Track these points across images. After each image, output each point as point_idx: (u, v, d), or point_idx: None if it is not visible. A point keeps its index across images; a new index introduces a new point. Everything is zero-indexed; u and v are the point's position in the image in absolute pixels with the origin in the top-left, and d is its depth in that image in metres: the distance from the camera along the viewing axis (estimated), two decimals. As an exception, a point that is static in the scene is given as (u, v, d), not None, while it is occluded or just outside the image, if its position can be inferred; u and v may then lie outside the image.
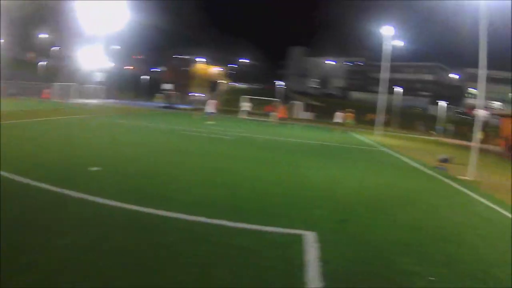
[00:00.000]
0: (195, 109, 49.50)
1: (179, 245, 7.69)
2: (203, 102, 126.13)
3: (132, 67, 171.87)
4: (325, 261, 7.42)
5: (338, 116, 55.24)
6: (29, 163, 14.11)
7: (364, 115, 76.01)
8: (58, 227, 8.06)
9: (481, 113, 28.06)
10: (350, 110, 58.06)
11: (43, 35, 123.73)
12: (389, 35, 50.25)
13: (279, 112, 53.26)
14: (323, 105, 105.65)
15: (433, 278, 7.15)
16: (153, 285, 6.10)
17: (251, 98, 71.81)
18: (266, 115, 71.46)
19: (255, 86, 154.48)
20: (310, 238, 8.63)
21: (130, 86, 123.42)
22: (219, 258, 7.21)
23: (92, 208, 9.55)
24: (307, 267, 7.09)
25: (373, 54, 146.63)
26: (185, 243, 7.83)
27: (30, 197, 10.01)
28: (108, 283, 6.04)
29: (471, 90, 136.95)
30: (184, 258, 7.09)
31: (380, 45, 56.77)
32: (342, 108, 62.39)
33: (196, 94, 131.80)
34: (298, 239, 8.59)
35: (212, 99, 46.28)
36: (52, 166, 14.09)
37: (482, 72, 22.48)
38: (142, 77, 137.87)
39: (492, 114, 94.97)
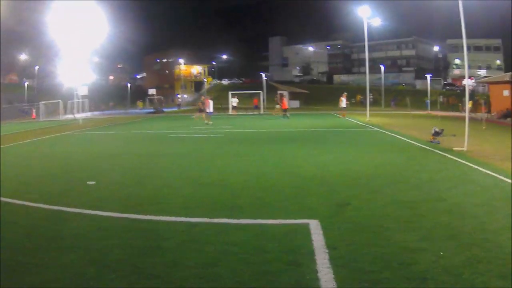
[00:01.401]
0: (197, 111, 48.83)
1: (181, 248, 7.76)
2: (192, 103, 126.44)
3: (112, 77, 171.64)
4: (331, 247, 7.48)
5: (342, 101, 54.27)
6: (26, 184, 14.22)
7: (351, 97, 75.83)
8: (60, 245, 8.10)
9: (468, 83, 28.20)
10: (344, 94, 57.62)
11: (22, 55, 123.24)
12: (366, 14, 50.15)
13: (282, 104, 52.75)
14: (308, 92, 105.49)
15: (441, 253, 7.18)
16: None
17: (237, 93, 71.68)
18: (254, 108, 71.64)
19: (237, 81, 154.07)
20: (313, 226, 8.69)
21: (114, 96, 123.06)
22: (222, 257, 7.26)
23: (91, 222, 9.61)
24: (315, 255, 7.14)
25: (352, 35, 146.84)
26: (186, 245, 7.88)
27: (29, 218, 10.11)
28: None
29: (456, 60, 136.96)
30: (187, 260, 7.15)
31: (358, 25, 56.74)
32: (328, 92, 62.15)
33: (180, 96, 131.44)
34: (302, 228, 8.66)
35: (207, 99, 45.09)
36: (49, 184, 14.26)
37: (464, 41, 22.59)
38: (126, 85, 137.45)
39: (479, 83, 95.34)
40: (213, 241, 8.07)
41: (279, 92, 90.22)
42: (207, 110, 43.64)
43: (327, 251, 7.32)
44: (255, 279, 6.37)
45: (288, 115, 51.74)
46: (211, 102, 43.89)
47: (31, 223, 9.70)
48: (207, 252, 7.50)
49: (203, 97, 48.23)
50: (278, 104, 60.57)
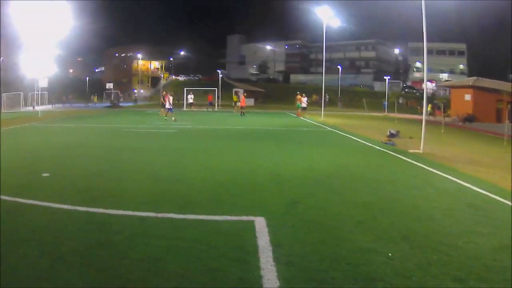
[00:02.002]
0: (161, 106, 48.43)
1: (130, 242, 7.68)
2: (148, 98, 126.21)
3: (72, 70, 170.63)
4: (276, 245, 7.40)
5: (303, 101, 54.08)
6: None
7: (308, 97, 76.28)
8: (14, 236, 8.01)
9: (427, 87, 28.39)
10: (300, 93, 57.64)
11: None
12: (326, 15, 50.40)
13: (241, 101, 52.66)
14: (264, 91, 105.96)
15: (390, 254, 7.08)
16: (104, 284, 6.07)
17: (193, 90, 71.51)
18: (208, 105, 71.67)
19: (194, 77, 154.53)
20: (260, 224, 8.59)
21: (74, 89, 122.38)
22: (169, 252, 7.20)
23: (44, 214, 9.50)
24: (260, 253, 7.04)
25: (311, 35, 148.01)
26: (136, 239, 7.81)
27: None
28: (63, 285, 6.03)
29: (417, 64, 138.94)
30: (135, 254, 7.08)
31: (318, 25, 57.10)
32: (285, 92, 62.16)
33: (137, 91, 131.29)
34: (248, 225, 8.56)
35: (168, 95, 44.50)
36: (6, 175, 13.84)
37: (425, 44, 22.68)
38: (85, 78, 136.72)
39: (440, 86, 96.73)
40: (162, 235, 8.02)
41: (234, 89, 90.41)
42: (167, 106, 43.10)
43: (271, 248, 7.24)
44: (200, 275, 6.30)
45: (236, 112, 51.89)
46: (170, 98, 43.39)
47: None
48: (156, 246, 7.45)
49: (164, 92, 47.69)
50: (237, 101, 60.58)
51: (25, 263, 6.70)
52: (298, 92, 58.13)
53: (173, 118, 41.30)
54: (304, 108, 51.76)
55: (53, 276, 6.26)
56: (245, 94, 56.19)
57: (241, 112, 51.30)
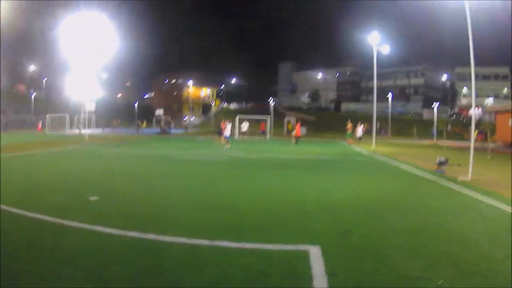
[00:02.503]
0: (217, 134, 48.31)
1: (182, 269, 7.69)
2: (198, 126, 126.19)
3: (120, 95, 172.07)
4: (331, 274, 7.43)
5: (351, 129, 53.73)
6: (29, 195, 14.24)
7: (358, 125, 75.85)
8: (60, 257, 8.14)
9: (474, 113, 28.21)
10: (349, 121, 57.29)
11: (32, 66, 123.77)
12: (376, 42, 50.13)
13: (296, 130, 52.35)
14: (316, 119, 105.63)
15: (441, 281, 7.16)
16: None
17: (246, 118, 71.51)
18: (260, 134, 71.65)
19: (246, 105, 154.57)
20: (314, 253, 8.64)
21: (121, 114, 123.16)
22: (223, 280, 7.22)
23: (91, 238, 9.61)
24: (315, 281, 7.10)
25: (362, 62, 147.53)
26: (188, 267, 7.82)
27: (30, 228, 10.16)
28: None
29: (464, 89, 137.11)
30: (187, 282, 7.12)
31: (368, 53, 56.86)
32: (336, 120, 61.75)
33: (187, 118, 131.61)
34: (302, 254, 8.60)
35: (225, 122, 44.21)
36: (53, 196, 14.23)
37: (472, 70, 22.59)
38: (133, 103, 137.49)
39: (486, 112, 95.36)
40: (214, 263, 8.02)
41: (286, 119, 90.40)
42: (225, 134, 43.29)
43: (326, 277, 7.29)
44: None
45: (294, 142, 51.85)
46: (228, 126, 43.46)
47: (31, 233, 9.74)
48: (208, 274, 7.47)
49: (223, 120, 47.62)
50: (290, 130, 60.44)
51: (69, 285, 6.84)
52: (348, 121, 57.81)
53: (226, 146, 41.26)
54: (360, 138, 51.17)
55: None
56: (300, 122, 55.91)
57: (296, 141, 51.14)
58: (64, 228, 10.28)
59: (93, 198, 14.13)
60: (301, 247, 9.11)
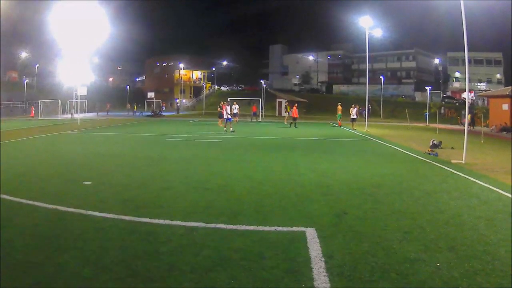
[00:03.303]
0: (218, 116, 47.58)
1: (178, 252, 7.70)
2: (191, 108, 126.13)
3: (112, 79, 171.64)
4: (328, 256, 7.45)
5: (353, 112, 53.08)
6: (23, 182, 14.22)
7: (349, 107, 75.73)
8: (56, 244, 8.09)
9: (468, 96, 28.18)
10: (339, 104, 57.20)
11: (24, 53, 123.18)
12: (368, 25, 49.97)
13: (293, 112, 51.96)
14: (307, 101, 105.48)
15: (438, 264, 7.16)
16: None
17: (236, 100, 71.30)
18: (252, 115, 71.60)
19: (237, 88, 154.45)
20: (311, 234, 8.66)
21: (113, 98, 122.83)
22: (220, 262, 7.22)
23: (86, 223, 9.57)
24: (312, 263, 7.10)
25: (353, 45, 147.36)
26: (184, 250, 7.83)
27: (24, 216, 10.11)
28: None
29: (456, 73, 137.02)
30: (184, 265, 7.10)
31: (360, 35, 56.80)
32: (328, 102, 61.61)
33: (179, 100, 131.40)
34: (299, 236, 8.62)
35: (225, 104, 43.23)
36: (46, 182, 14.27)
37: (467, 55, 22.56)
38: (125, 87, 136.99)
39: (479, 96, 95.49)
40: (211, 246, 8.04)
41: (278, 100, 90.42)
42: (224, 116, 42.34)
43: (323, 259, 7.29)
44: (252, 286, 6.32)
45: (287, 123, 51.79)
46: (228, 108, 42.64)
47: (25, 221, 9.69)
48: (205, 257, 7.47)
49: (222, 102, 46.94)
50: (287, 112, 60.17)
51: (66, 272, 6.81)
52: (339, 103, 57.83)
53: (231, 129, 40.63)
54: (353, 119, 50.86)
55: (96, 286, 6.34)
56: (296, 105, 55.54)
57: (294, 123, 50.95)
58: (59, 214, 10.27)
59: (87, 183, 14.16)
60: (297, 229, 9.12)
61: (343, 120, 55.43)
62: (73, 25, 65.45)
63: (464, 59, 23.03)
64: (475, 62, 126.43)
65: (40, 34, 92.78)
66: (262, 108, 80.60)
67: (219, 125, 46.17)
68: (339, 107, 55.90)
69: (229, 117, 41.84)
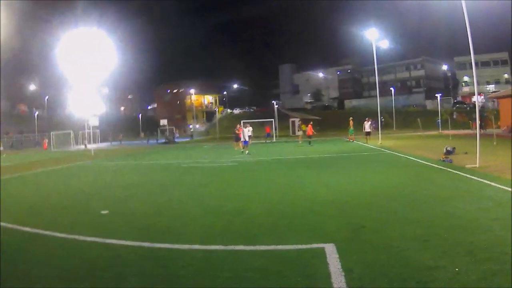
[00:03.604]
0: (234, 140, 47.33)
1: (197, 276, 7.73)
2: (204, 133, 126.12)
3: (123, 108, 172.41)
4: (347, 270, 7.45)
5: (366, 125, 52.69)
6: (38, 213, 14.31)
7: (362, 121, 75.81)
8: (74, 273, 8.16)
9: (478, 100, 28.19)
10: (351, 119, 57.04)
11: (33, 85, 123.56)
12: (375, 37, 49.89)
13: (308, 130, 51.88)
14: (320, 118, 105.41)
15: (457, 269, 7.16)
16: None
17: (249, 122, 71.22)
18: (266, 136, 71.58)
19: (249, 109, 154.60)
20: (329, 250, 8.66)
21: (126, 127, 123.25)
22: (239, 283, 7.26)
23: (104, 251, 9.64)
24: (332, 279, 7.11)
25: (361, 59, 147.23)
26: (203, 273, 7.86)
27: (43, 246, 10.19)
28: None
29: (465, 78, 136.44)
30: (203, 287, 7.16)
31: (366, 48, 56.80)
32: (340, 118, 61.44)
33: (192, 126, 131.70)
34: (318, 253, 8.61)
35: (241, 127, 43.34)
36: (62, 213, 14.35)
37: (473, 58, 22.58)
38: (137, 116, 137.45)
39: (489, 98, 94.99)
40: (229, 268, 8.05)
41: (291, 120, 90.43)
42: (242, 139, 41.90)
43: (343, 274, 7.29)
44: None
45: (299, 142, 51.74)
46: (245, 130, 42.06)
47: (44, 252, 9.77)
48: (224, 278, 7.50)
49: (238, 125, 46.73)
50: (299, 130, 60.17)
51: None
52: (350, 118, 57.82)
53: (246, 152, 40.27)
54: (368, 133, 50.59)
55: None
56: (312, 123, 55.44)
57: (309, 141, 50.85)
58: (76, 243, 10.32)
59: (104, 212, 14.20)
60: (316, 245, 9.12)
61: (356, 135, 55.35)
62: (81, 56, 65.83)
63: (471, 62, 22.97)
64: (482, 64, 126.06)
65: (49, 66, 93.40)
66: (275, 129, 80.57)
67: (235, 148, 46.08)
68: (351, 122, 55.85)
69: (246, 139, 41.50)
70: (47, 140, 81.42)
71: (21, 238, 11.00)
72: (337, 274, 7.29)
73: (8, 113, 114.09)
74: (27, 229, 11.92)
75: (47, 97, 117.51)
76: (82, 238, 10.69)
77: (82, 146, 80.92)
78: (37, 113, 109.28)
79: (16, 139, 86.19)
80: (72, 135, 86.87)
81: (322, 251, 8.66)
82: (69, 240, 10.60)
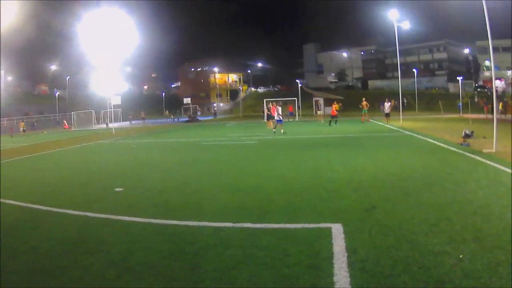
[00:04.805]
0: (266, 119, 47.34)
1: (204, 252, 7.73)
2: (228, 111, 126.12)
3: (146, 86, 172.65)
4: (352, 251, 7.35)
5: (386, 106, 52.27)
6: (52, 191, 14.52)
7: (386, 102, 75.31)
8: (82, 249, 8.25)
9: (495, 85, 27.74)
10: (364, 100, 56.67)
11: (53, 66, 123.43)
12: (395, 18, 49.39)
13: (332, 110, 51.59)
14: (343, 98, 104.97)
15: (461, 256, 6.96)
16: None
17: (272, 101, 70.98)
18: (289, 115, 71.35)
19: (273, 88, 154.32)
20: (337, 230, 8.57)
21: (149, 106, 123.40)
22: (243, 261, 7.22)
23: (114, 228, 9.75)
24: (334, 259, 7.02)
25: (385, 39, 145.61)
26: (209, 249, 7.86)
27: (54, 222, 10.38)
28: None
29: (486, 62, 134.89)
30: (208, 264, 7.14)
31: (390, 29, 56.26)
32: (361, 98, 60.98)
33: (216, 104, 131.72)
34: (324, 232, 8.54)
35: (274, 106, 43.22)
36: (77, 191, 14.58)
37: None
38: (160, 94, 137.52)
39: (509, 83, 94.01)
40: (238, 245, 8.03)
41: (314, 99, 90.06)
42: (276, 118, 41.55)
43: (346, 254, 7.19)
44: (272, 283, 6.32)
45: (321, 121, 51.55)
46: (279, 109, 41.82)
47: (55, 228, 9.88)
48: (230, 256, 7.48)
49: (270, 104, 46.47)
50: (319, 110, 60.23)
51: (90, 274, 6.91)
52: (363, 98, 57.99)
53: (281, 131, 39.51)
54: (387, 115, 50.24)
55: (118, 286, 6.42)
56: (335, 102, 55.07)
57: (334, 121, 50.48)
58: (88, 220, 10.45)
59: (119, 189, 14.34)
60: (324, 225, 9.03)
61: (376, 115, 55.01)
62: (104, 35, 65.62)
63: (493, 47, 22.63)
64: (503, 49, 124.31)
65: (70, 46, 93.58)
66: (299, 108, 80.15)
67: (268, 127, 46.15)
68: (364, 103, 55.81)
69: (280, 118, 40.97)
70: (65, 121, 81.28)
71: (33, 216, 11.18)
72: (340, 255, 7.21)
73: (29, 93, 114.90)
74: (39, 206, 12.13)
75: (68, 77, 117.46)
76: (93, 214, 10.87)
77: (104, 125, 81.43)
78: (58, 93, 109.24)
79: (37, 119, 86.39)
80: (93, 114, 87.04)
81: (329, 231, 8.58)
82: (81, 217, 10.75)
